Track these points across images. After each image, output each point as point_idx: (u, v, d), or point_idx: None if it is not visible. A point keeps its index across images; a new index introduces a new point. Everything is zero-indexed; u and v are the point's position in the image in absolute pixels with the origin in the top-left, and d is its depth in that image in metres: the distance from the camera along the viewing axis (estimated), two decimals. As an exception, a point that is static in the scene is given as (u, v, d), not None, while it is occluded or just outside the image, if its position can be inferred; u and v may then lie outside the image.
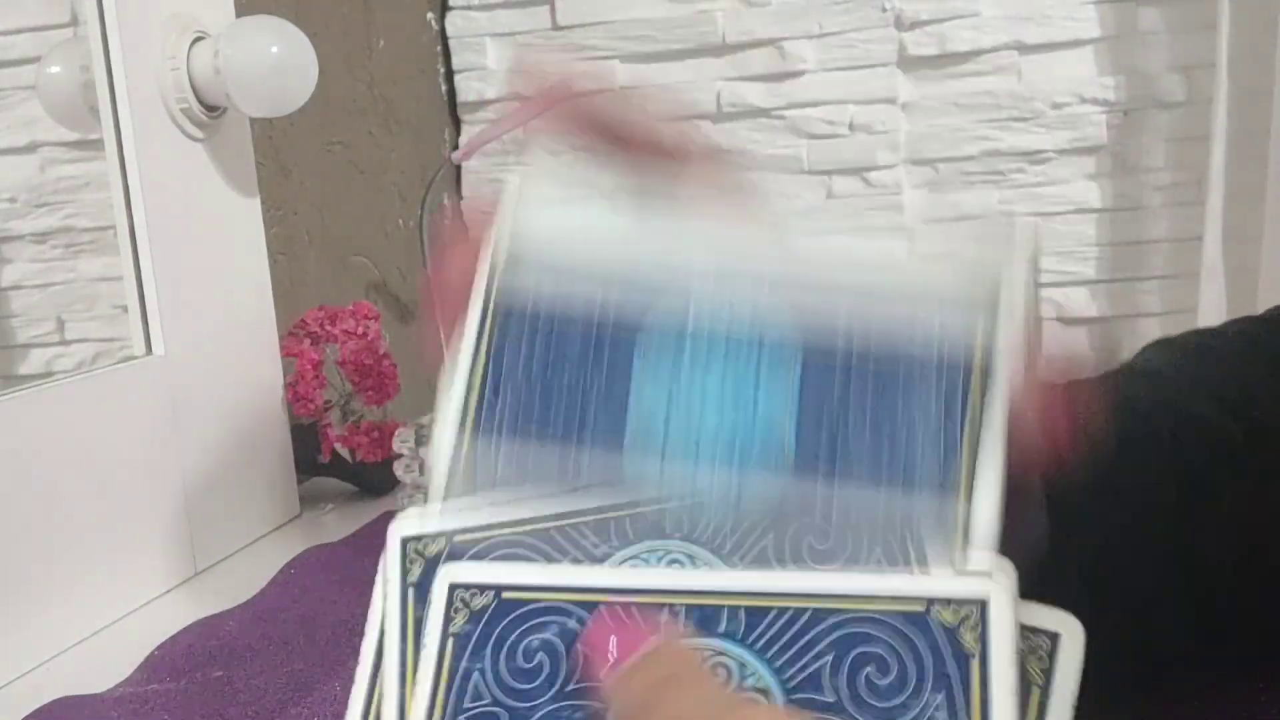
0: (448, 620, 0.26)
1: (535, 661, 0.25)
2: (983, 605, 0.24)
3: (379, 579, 0.27)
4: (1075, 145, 1.35)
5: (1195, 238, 1.31)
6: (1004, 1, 1.33)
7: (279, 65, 0.75)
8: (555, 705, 0.25)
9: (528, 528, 0.26)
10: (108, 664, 0.57)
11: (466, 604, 0.26)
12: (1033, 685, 0.24)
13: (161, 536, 0.70)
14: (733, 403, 0.27)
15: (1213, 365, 0.41)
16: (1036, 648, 0.24)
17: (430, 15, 1.44)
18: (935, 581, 0.24)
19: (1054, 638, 0.24)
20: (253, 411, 0.81)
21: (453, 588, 0.26)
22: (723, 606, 0.25)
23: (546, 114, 0.30)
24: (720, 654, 0.25)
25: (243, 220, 0.81)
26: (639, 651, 0.24)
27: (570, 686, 0.25)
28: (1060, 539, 0.29)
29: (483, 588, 0.26)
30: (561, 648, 0.25)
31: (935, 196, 1.39)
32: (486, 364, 0.28)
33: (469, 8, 1.44)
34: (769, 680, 0.24)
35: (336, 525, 0.80)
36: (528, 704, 0.25)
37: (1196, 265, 1.30)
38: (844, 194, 1.39)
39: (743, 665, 0.25)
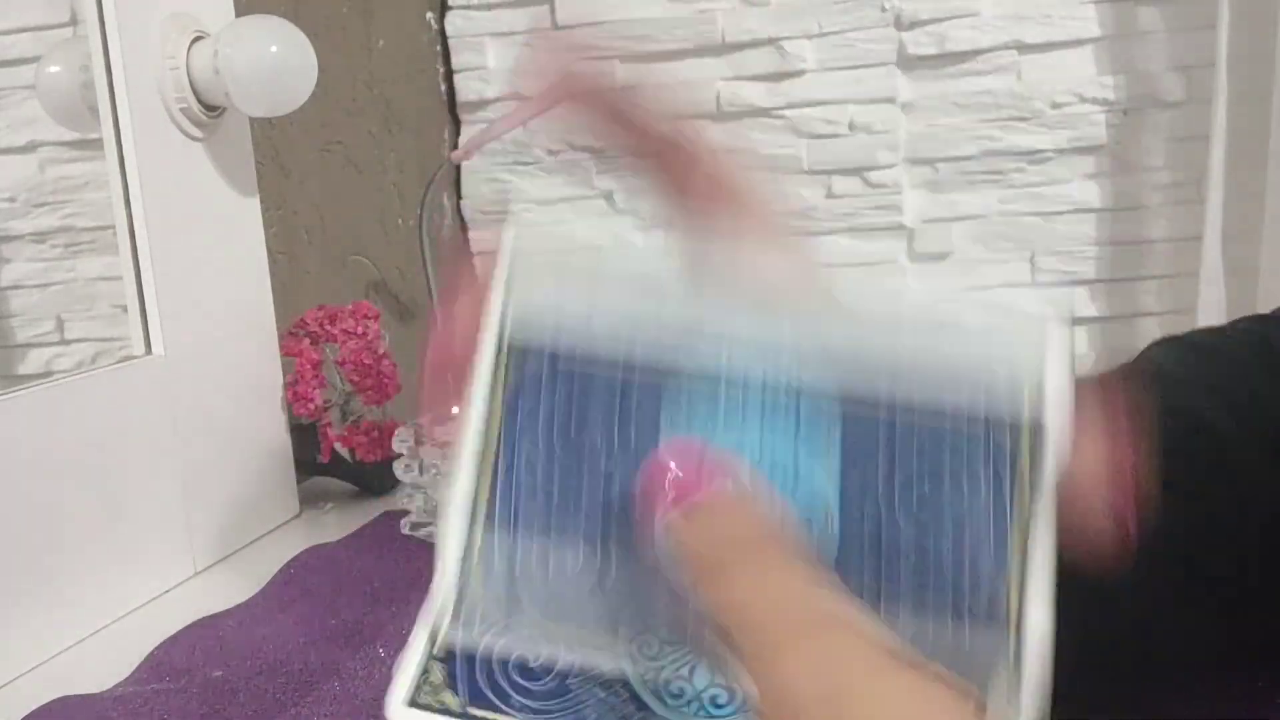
0: (495, 380, 0.24)
1: (590, 427, 0.24)
2: (1038, 432, 0.23)
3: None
4: (1075, 145, 1.35)
5: (1195, 237, 1.31)
6: (1004, 1, 1.33)
7: (278, 65, 0.74)
8: (610, 474, 0.24)
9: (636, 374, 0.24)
10: (108, 664, 0.57)
11: (519, 366, 0.24)
12: (1024, 473, 0.23)
13: (161, 536, 0.70)
14: (770, 476, 0.24)
15: (1221, 366, 0.40)
16: (1026, 441, 0.24)
17: (430, 15, 1.44)
18: (996, 401, 0.24)
19: (1039, 432, 0.24)
20: (252, 411, 0.81)
21: (510, 346, 0.24)
22: (787, 402, 0.24)
23: (556, 105, 0.29)
24: (776, 449, 0.24)
25: (242, 220, 0.81)
26: (710, 492, 0.22)
27: (631, 448, 0.24)
28: None
29: (538, 350, 0.24)
30: (616, 411, 0.24)
31: (935, 196, 1.39)
32: (500, 430, 0.25)
33: (469, 7, 1.44)
34: (824, 481, 0.24)
35: (336, 525, 0.80)
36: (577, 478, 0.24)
37: (1196, 265, 1.30)
38: (844, 194, 1.39)
39: (797, 461, 0.24)
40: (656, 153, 0.29)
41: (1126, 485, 0.24)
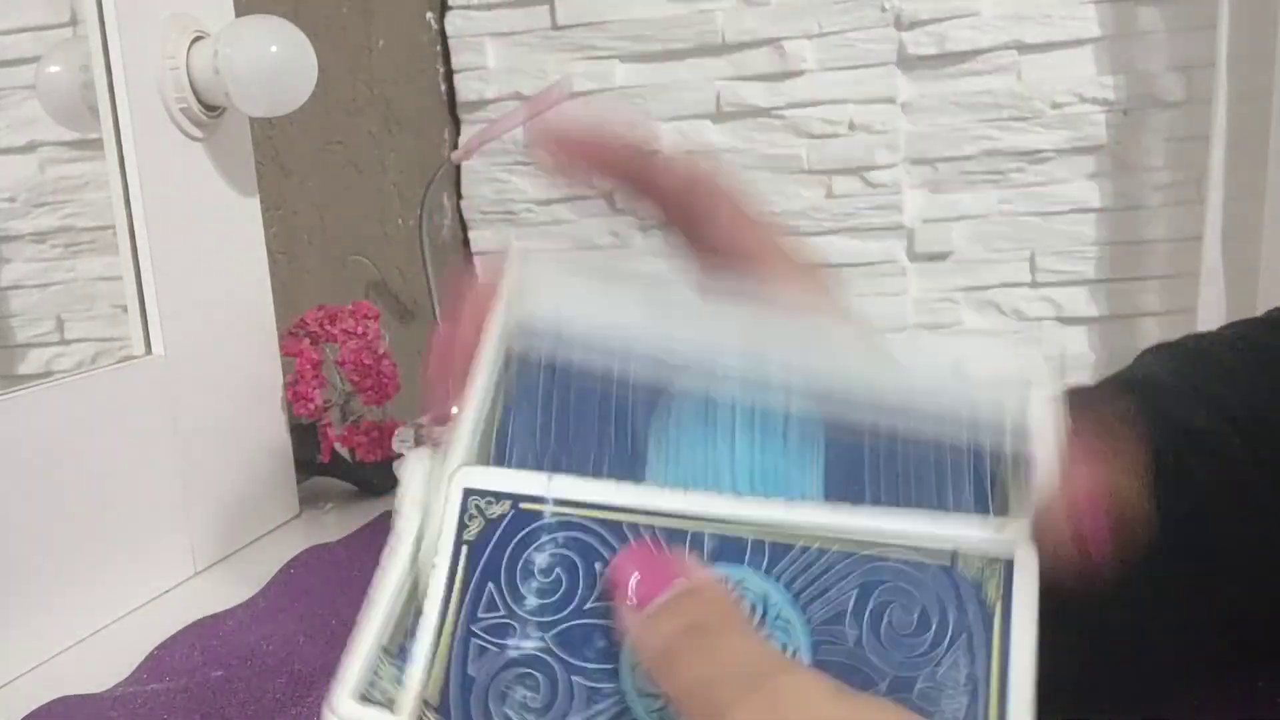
0: (461, 528, 0.25)
1: (553, 577, 0.24)
2: (1008, 563, 0.24)
3: (404, 506, 0.26)
4: (1075, 145, 1.35)
5: (1195, 238, 1.31)
6: (1004, 1, 1.33)
7: (278, 65, 0.74)
8: (573, 623, 0.24)
9: (598, 514, 0.25)
10: (108, 664, 0.57)
11: (481, 511, 0.25)
12: (994, 605, 0.24)
13: (161, 536, 0.70)
14: (759, 487, 0.25)
15: (1214, 373, 0.40)
16: (995, 573, 0.24)
17: (430, 15, 1.44)
18: (963, 531, 0.24)
19: (1009, 563, 0.24)
20: (252, 411, 0.81)
21: (468, 494, 0.25)
22: (747, 537, 0.24)
23: (554, 106, 0.30)
24: (742, 584, 0.24)
25: (242, 220, 0.81)
26: (666, 591, 0.23)
27: (588, 605, 0.24)
28: None
29: (499, 496, 0.25)
30: (579, 564, 0.24)
31: (935, 196, 1.39)
32: (496, 422, 0.25)
33: (469, 7, 1.44)
34: (791, 615, 0.24)
35: (336, 525, 0.80)
36: (543, 618, 0.24)
37: (1196, 265, 1.30)
38: (843, 194, 1.40)
39: (765, 597, 0.24)
40: (677, 205, 0.31)
41: (1098, 510, 0.25)
